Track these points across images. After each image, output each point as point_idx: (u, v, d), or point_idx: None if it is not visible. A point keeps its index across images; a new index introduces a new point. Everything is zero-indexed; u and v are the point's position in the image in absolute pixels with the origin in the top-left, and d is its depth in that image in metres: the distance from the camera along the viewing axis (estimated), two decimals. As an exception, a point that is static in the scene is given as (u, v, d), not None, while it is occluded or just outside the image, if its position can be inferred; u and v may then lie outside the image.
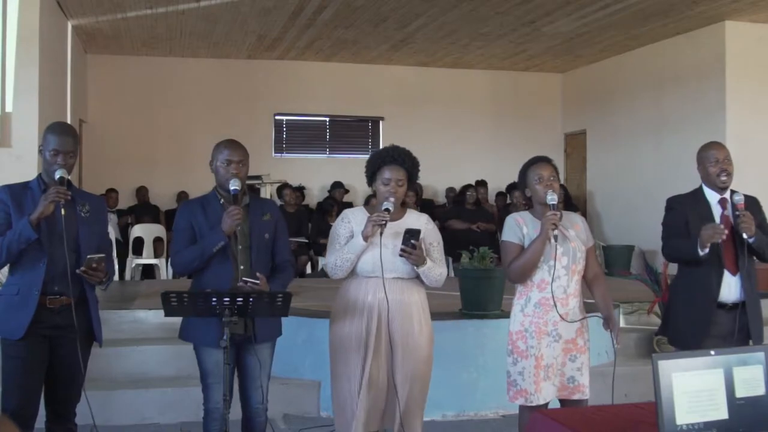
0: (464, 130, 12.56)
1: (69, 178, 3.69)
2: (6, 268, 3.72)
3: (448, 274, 4.08)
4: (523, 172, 3.91)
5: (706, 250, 3.92)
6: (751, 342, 4.00)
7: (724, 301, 4.04)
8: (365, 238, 3.71)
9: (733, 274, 4.03)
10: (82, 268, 3.50)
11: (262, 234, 3.79)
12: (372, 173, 3.89)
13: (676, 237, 4.14)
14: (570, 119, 12.96)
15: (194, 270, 3.76)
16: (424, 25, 9.71)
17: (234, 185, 3.67)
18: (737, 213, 3.96)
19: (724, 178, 4.08)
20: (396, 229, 3.78)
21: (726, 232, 3.88)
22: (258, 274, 3.64)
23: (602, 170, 12.07)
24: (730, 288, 4.04)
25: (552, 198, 3.72)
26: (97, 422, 3.61)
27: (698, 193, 4.20)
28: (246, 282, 3.59)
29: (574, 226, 3.91)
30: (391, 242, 3.74)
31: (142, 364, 5.84)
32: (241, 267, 3.72)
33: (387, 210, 3.71)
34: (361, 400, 3.73)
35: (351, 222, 3.86)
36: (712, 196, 4.13)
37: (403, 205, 3.99)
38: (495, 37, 10.39)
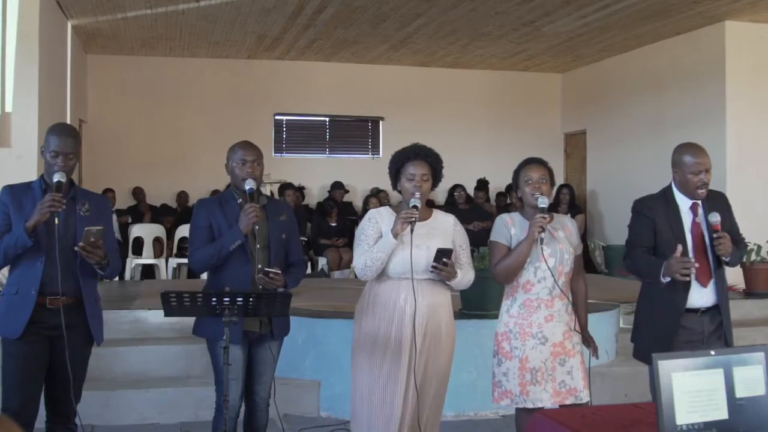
0: (464, 130, 12.54)
1: (72, 178, 3.69)
2: (6, 269, 3.73)
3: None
4: (516, 173, 3.87)
5: (669, 280, 3.69)
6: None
7: (695, 306, 3.83)
8: (395, 236, 3.62)
9: (704, 285, 3.82)
10: (81, 244, 3.46)
11: (279, 234, 3.86)
12: (396, 171, 3.80)
13: (641, 247, 3.89)
14: (570, 119, 12.96)
15: (212, 267, 3.82)
16: (424, 25, 9.70)
17: (249, 184, 3.75)
18: (715, 235, 3.73)
19: (702, 191, 3.83)
20: (426, 229, 3.72)
21: (696, 265, 3.64)
22: (275, 267, 3.70)
23: (602, 170, 12.07)
24: (701, 295, 3.83)
25: (543, 202, 3.69)
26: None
27: (668, 195, 3.95)
28: (268, 273, 3.65)
29: (564, 228, 3.89)
30: (424, 243, 3.68)
31: (142, 364, 5.84)
32: (259, 266, 3.77)
33: (415, 207, 3.65)
34: (396, 405, 3.65)
35: (379, 222, 3.75)
36: (683, 202, 3.89)
37: (430, 206, 3.93)
38: (495, 37, 10.39)
